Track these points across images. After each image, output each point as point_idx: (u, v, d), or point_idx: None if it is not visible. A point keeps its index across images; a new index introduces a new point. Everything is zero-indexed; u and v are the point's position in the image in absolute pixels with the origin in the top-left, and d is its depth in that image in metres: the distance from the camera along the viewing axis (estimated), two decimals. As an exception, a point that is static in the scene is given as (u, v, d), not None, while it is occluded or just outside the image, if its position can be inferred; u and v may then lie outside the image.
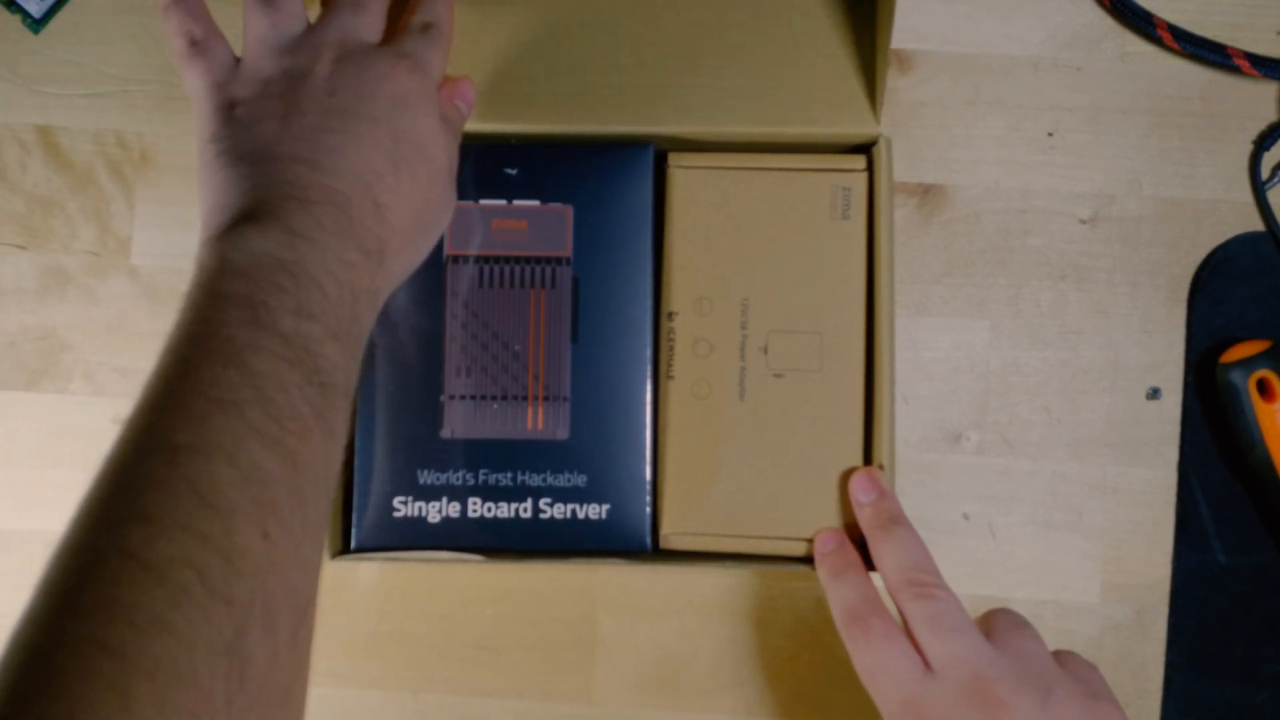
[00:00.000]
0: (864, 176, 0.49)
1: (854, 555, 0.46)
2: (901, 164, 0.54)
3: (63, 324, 0.54)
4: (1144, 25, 0.54)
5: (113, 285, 0.54)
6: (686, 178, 0.50)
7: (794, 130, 0.49)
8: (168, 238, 0.54)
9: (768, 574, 0.53)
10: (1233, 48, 0.53)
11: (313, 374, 0.36)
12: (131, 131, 0.55)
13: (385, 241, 0.40)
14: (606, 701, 0.53)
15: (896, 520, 0.45)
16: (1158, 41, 0.54)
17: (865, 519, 0.46)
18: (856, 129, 0.49)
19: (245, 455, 0.33)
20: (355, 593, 0.53)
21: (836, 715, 0.52)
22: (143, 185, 0.55)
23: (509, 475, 0.49)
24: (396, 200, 0.41)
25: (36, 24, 0.55)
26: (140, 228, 0.55)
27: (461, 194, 0.49)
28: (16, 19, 0.55)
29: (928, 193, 0.54)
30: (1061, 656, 0.43)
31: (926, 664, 0.41)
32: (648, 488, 0.49)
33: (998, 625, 0.43)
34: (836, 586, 0.45)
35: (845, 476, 0.48)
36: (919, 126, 0.55)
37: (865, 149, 0.50)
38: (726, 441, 0.49)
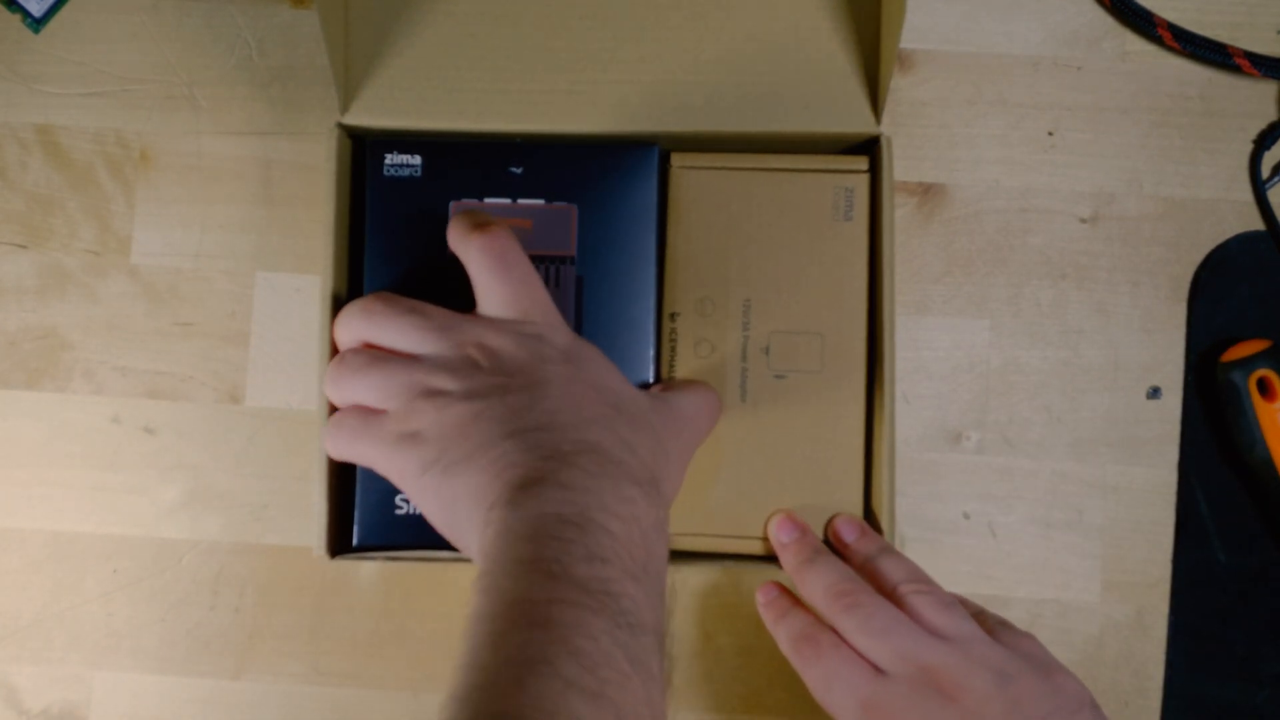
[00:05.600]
0: (866, 178, 0.49)
1: (792, 595, 0.47)
2: (902, 163, 0.54)
3: (63, 323, 0.54)
4: (1144, 24, 0.54)
5: (113, 284, 0.54)
6: (689, 178, 0.50)
7: (794, 129, 0.49)
8: (167, 236, 0.54)
9: (768, 574, 0.53)
10: (1233, 47, 0.53)
11: (618, 616, 0.35)
12: (131, 131, 0.55)
13: (654, 469, 0.41)
14: (607, 701, 0.53)
15: (818, 550, 0.46)
16: (1158, 41, 0.54)
17: (789, 559, 0.47)
18: (857, 128, 0.49)
19: (567, 713, 0.32)
20: (356, 591, 0.53)
21: (837, 714, 0.52)
22: (143, 184, 0.55)
23: (510, 475, 0.49)
24: (634, 433, 0.42)
25: (36, 23, 0.55)
26: (140, 227, 0.54)
27: (466, 192, 0.49)
28: (16, 18, 0.55)
29: (928, 192, 0.54)
30: (997, 632, 0.43)
31: (875, 668, 0.42)
32: (649, 487, 0.49)
33: (924, 611, 0.43)
34: (783, 624, 0.46)
35: (845, 474, 0.48)
36: (919, 126, 0.55)
37: (866, 148, 0.50)
38: (727, 442, 0.49)
